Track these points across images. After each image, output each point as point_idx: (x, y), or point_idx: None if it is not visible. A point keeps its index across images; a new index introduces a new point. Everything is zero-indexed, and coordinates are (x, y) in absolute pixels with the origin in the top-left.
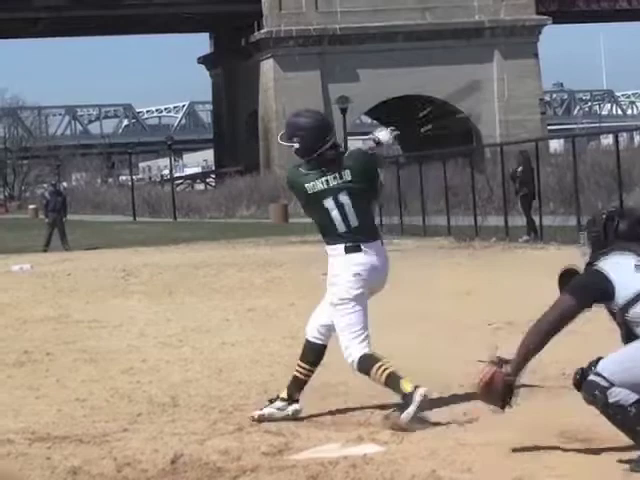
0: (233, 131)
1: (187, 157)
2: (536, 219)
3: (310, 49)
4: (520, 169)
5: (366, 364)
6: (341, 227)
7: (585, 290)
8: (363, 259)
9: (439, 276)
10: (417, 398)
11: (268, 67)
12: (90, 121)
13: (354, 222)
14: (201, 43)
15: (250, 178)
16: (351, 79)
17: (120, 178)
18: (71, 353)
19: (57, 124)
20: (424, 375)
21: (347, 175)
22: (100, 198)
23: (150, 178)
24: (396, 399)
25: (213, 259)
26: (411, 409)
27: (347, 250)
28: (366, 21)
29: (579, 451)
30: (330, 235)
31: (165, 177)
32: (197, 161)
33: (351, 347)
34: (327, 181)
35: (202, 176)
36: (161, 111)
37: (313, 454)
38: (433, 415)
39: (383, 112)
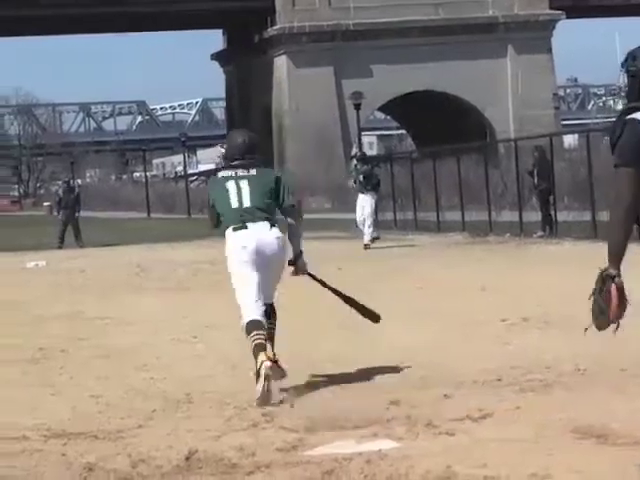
0: (247, 127)
1: (201, 153)
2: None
3: (323, 45)
4: (536, 164)
5: (247, 330)
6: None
7: (632, 148)
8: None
9: (453, 272)
10: (262, 372)
11: (281, 63)
12: (104, 118)
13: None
14: (214, 40)
15: None
16: (364, 75)
17: (134, 175)
18: (86, 350)
19: (71, 121)
20: (439, 371)
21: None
22: (114, 195)
23: (164, 175)
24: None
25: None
26: (258, 386)
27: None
28: (379, 17)
29: (594, 447)
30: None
31: (179, 173)
32: (211, 157)
33: (242, 314)
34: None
35: (216, 172)
36: (175, 108)
37: (327, 450)
38: (448, 411)
39: (396, 108)
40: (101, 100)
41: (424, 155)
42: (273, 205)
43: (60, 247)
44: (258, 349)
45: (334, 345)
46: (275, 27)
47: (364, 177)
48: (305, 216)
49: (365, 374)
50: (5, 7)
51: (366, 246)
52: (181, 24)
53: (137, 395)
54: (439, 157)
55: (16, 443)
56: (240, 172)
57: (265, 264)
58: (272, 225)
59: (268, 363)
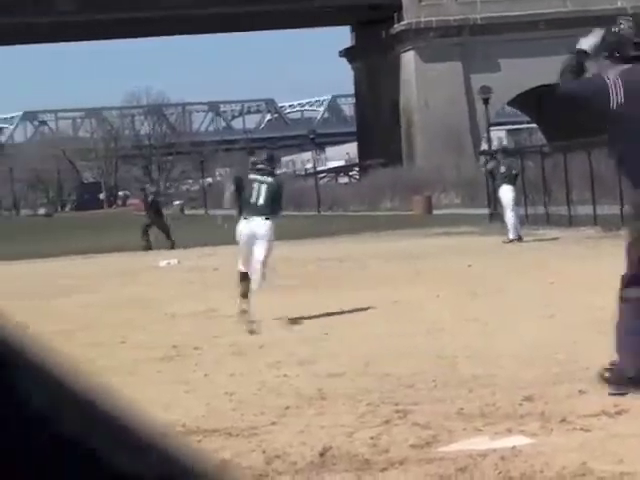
0: (375, 123)
1: (330, 150)
2: None
3: (451, 40)
4: None
5: (239, 277)
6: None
7: None
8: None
9: (585, 267)
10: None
11: (409, 59)
12: (233, 117)
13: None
14: (343, 36)
15: (393, 170)
16: (493, 69)
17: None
18: (219, 347)
19: (201, 120)
20: (573, 366)
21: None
22: None
23: (294, 172)
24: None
25: (357, 252)
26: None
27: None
28: (506, 10)
29: None
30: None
31: (308, 171)
32: (340, 154)
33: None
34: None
35: (345, 169)
36: (303, 105)
37: (461, 447)
38: (583, 407)
39: (525, 101)
40: (230, 99)
41: (555, 149)
42: (273, 205)
43: (173, 245)
44: (241, 294)
45: (467, 340)
46: (402, 23)
47: (505, 169)
48: (435, 212)
49: (498, 370)
50: (132, 9)
51: (511, 241)
52: (309, 21)
53: (270, 392)
54: (570, 150)
55: None
56: (261, 177)
57: (254, 242)
58: (267, 219)
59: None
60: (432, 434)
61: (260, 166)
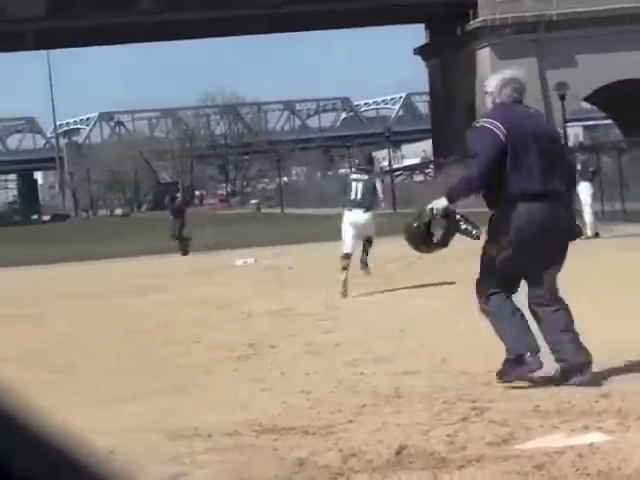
0: (451, 121)
1: (405, 148)
2: None
3: (526, 36)
4: None
5: (341, 257)
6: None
7: None
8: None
9: None
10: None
11: (484, 56)
12: (308, 115)
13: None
14: (417, 34)
15: None
16: (569, 65)
17: (339, 171)
18: (295, 346)
19: (276, 119)
20: None
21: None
22: (320, 191)
23: None
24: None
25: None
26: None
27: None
28: (582, 6)
29: None
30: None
31: (384, 169)
32: (415, 152)
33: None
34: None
35: (421, 167)
36: (378, 103)
37: (538, 444)
38: None
39: (602, 97)
40: (305, 98)
41: (632, 144)
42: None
43: (186, 248)
44: (342, 268)
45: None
46: (477, 20)
47: (581, 166)
48: None
49: None
50: (209, 9)
51: (589, 238)
52: (384, 19)
53: (347, 390)
54: None
55: (229, 438)
56: (359, 176)
57: (359, 228)
58: (366, 211)
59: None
60: (509, 431)
61: (362, 167)
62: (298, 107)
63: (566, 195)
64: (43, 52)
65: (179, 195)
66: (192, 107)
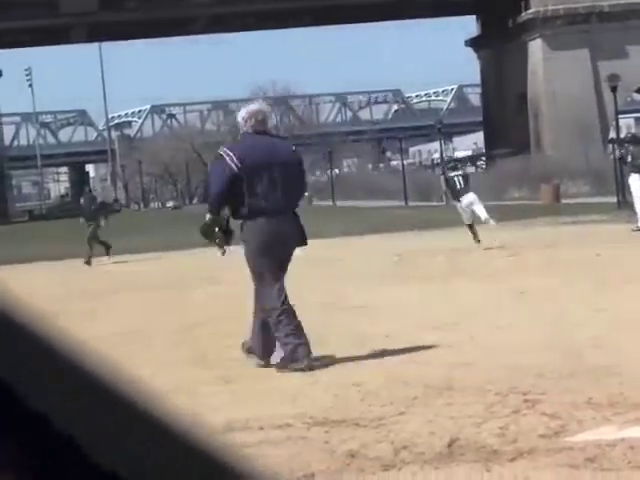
0: (502, 113)
1: (457, 140)
2: None
3: (578, 27)
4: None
5: None
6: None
7: None
8: None
9: None
10: None
11: (536, 47)
12: (360, 107)
13: None
14: (469, 25)
15: (520, 159)
16: (621, 56)
17: (391, 163)
18: (346, 337)
19: (327, 111)
20: None
21: None
22: (371, 184)
23: (420, 162)
24: None
25: (484, 242)
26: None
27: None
28: None
29: None
30: None
31: (436, 161)
32: (467, 144)
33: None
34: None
35: (472, 159)
36: (430, 95)
37: (590, 436)
38: None
39: None
40: (357, 90)
41: None
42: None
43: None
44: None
45: (594, 330)
46: (529, 11)
47: (631, 158)
48: (563, 201)
49: (626, 359)
50: (252, 3)
51: (638, 229)
52: (436, 11)
53: (398, 382)
54: None
55: (280, 431)
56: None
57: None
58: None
59: None
60: (561, 424)
61: (458, 165)
62: (349, 99)
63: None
64: (95, 45)
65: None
66: (244, 99)
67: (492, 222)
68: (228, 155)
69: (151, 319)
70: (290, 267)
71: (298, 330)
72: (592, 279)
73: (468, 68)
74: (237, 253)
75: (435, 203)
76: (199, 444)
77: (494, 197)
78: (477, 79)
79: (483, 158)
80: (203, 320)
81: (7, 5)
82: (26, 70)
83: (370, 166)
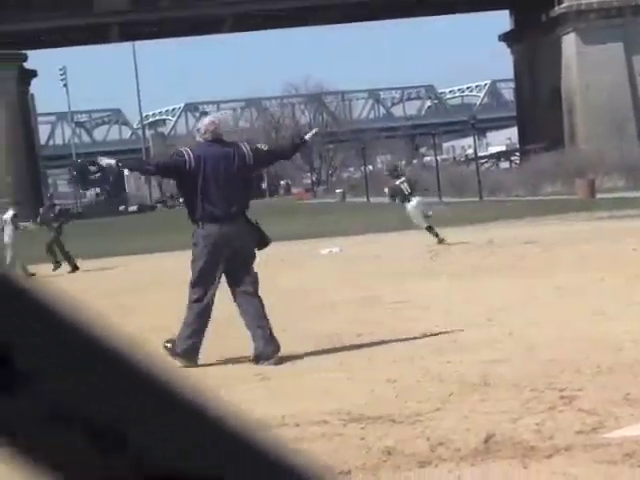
0: (536, 108)
1: (491, 136)
2: None
3: (612, 21)
4: None
5: None
6: None
7: None
8: None
9: None
10: None
11: (570, 41)
12: (393, 104)
13: None
14: (501, 21)
15: (555, 154)
16: None
17: (424, 159)
18: (381, 334)
19: (361, 108)
20: None
21: None
22: None
23: (454, 158)
24: None
25: (519, 237)
26: None
27: None
28: None
29: None
30: None
31: (469, 157)
32: (501, 139)
33: None
34: None
35: (506, 154)
36: (463, 91)
37: (628, 432)
38: None
39: None
40: (390, 86)
41: None
42: None
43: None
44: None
45: (631, 325)
46: (563, 5)
47: None
48: (598, 195)
49: None
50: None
51: None
52: (469, 6)
53: (433, 379)
54: None
55: (317, 428)
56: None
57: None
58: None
59: None
60: (598, 420)
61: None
62: (382, 95)
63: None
64: (129, 44)
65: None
66: (277, 96)
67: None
68: (187, 152)
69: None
70: (327, 263)
71: (201, 331)
72: (628, 274)
73: (501, 63)
74: None
75: (469, 199)
76: (254, 439)
77: (528, 192)
78: (510, 74)
79: (517, 153)
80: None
81: (40, 6)
82: (61, 70)
83: (404, 162)
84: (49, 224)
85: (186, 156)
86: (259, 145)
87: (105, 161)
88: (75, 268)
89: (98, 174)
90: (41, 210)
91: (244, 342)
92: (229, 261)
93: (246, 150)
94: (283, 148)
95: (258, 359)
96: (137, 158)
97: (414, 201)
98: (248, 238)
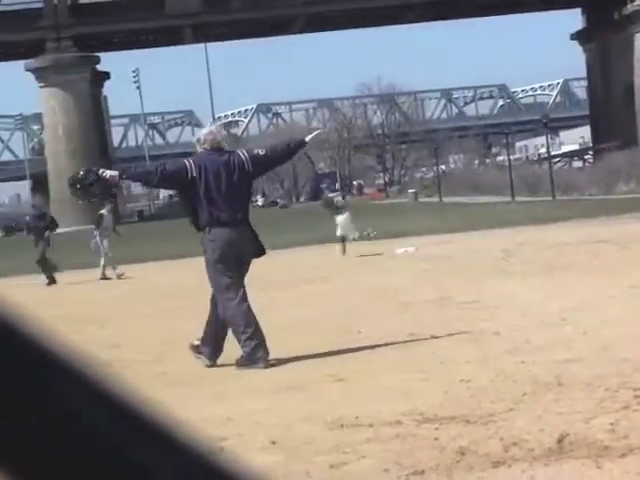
0: (609, 106)
1: (563, 134)
2: None
3: None
4: None
5: None
6: None
7: None
8: None
9: None
10: None
11: None
12: (465, 103)
13: None
14: (574, 19)
15: (629, 152)
16: None
17: (497, 158)
18: (455, 334)
19: (433, 108)
20: None
21: None
22: (478, 179)
23: (527, 157)
24: None
25: (592, 236)
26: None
27: None
28: None
29: None
30: None
31: (542, 156)
32: (574, 138)
33: None
34: None
35: (579, 153)
36: (536, 90)
37: None
38: None
39: None
40: (462, 85)
41: None
42: None
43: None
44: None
45: None
46: (635, 3)
47: None
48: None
49: None
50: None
51: None
52: (540, 4)
53: (507, 379)
54: None
55: (390, 428)
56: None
57: None
58: None
59: None
60: None
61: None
62: (455, 95)
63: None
64: (201, 45)
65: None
66: (349, 97)
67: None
68: (188, 162)
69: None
70: (400, 264)
71: (256, 333)
72: None
73: (574, 62)
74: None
75: (542, 198)
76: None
77: (602, 191)
78: (583, 72)
79: (590, 152)
80: (313, 318)
81: (113, 8)
82: (133, 72)
83: (476, 162)
84: (39, 234)
85: (187, 165)
86: (256, 150)
87: (108, 173)
88: (52, 281)
89: (94, 185)
90: (27, 218)
91: (320, 342)
92: (232, 266)
93: (244, 157)
94: (281, 151)
95: (246, 362)
96: (142, 168)
97: (345, 215)
98: (250, 245)
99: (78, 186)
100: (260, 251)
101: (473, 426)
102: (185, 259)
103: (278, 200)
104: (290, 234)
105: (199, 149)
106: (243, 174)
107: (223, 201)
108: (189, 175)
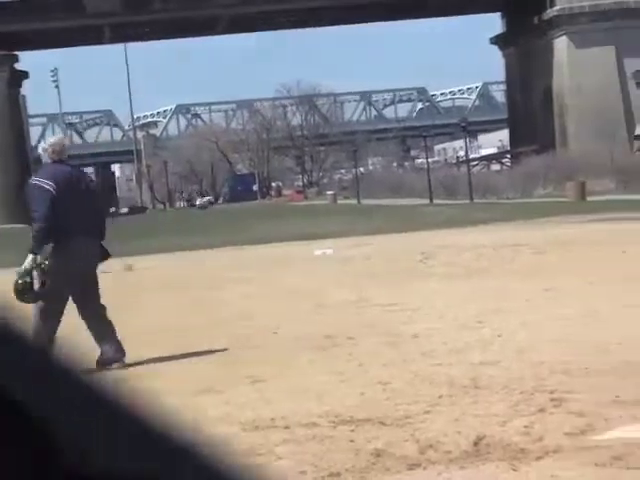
0: (527, 110)
1: (482, 138)
2: None
3: (603, 24)
4: None
5: None
6: None
7: None
8: None
9: None
10: None
11: (561, 44)
12: (385, 106)
13: None
14: (493, 23)
15: (545, 157)
16: None
17: (416, 161)
18: (372, 337)
19: (352, 110)
20: None
21: None
22: (396, 182)
23: (446, 160)
24: None
25: (510, 240)
26: None
27: None
28: None
29: None
30: None
31: (461, 159)
32: (492, 142)
33: None
34: None
35: (498, 156)
36: (455, 93)
37: (617, 434)
38: None
39: None
40: (381, 88)
41: None
42: None
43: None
44: None
45: (620, 327)
46: (555, 8)
47: None
48: (589, 198)
49: None
50: (274, 2)
51: None
52: (460, 8)
53: (424, 381)
54: None
55: (307, 429)
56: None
57: None
58: None
59: None
60: (587, 422)
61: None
62: (374, 97)
63: (99, 230)
64: (120, 46)
65: None
66: (269, 98)
67: None
68: (42, 182)
69: (177, 319)
70: (318, 265)
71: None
72: (618, 276)
73: (493, 66)
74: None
75: (461, 201)
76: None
77: (520, 194)
78: (502, 76)
79: (508, 156)
80: (230, 319)
81: (33, 7)
82: (52, 71)
83: (395, 164)
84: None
85: (48, 187)
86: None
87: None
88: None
89: (31, 291)
90: None
91: (236, 344)
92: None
93: (88, 177)
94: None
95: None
96: (35, 227)
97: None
98: (98, 256)
99: (26, 296)
100: (105, 254)
101: (389, 428)
102: None
103: (199, 201)
104: (210, 234)
105: (46, 159)
106: (86, 188)
107: (73, 213)
108: (54, 195)
